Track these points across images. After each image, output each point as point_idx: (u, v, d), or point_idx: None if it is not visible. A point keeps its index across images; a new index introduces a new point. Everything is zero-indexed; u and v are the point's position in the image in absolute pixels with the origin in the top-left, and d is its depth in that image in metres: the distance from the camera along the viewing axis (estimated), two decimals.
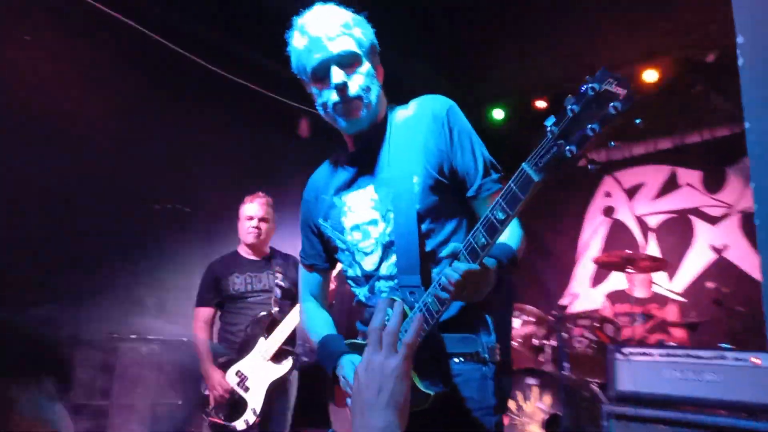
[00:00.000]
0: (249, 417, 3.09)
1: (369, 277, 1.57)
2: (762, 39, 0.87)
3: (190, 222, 3.84)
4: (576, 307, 5.40)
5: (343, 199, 1.62)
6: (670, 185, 5.85)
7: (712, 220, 5.52)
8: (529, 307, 4.21)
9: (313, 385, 3.26)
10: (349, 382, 1.39)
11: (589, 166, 1.00)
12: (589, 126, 0.97)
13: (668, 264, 4.72)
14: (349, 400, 1.42)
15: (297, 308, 3.13)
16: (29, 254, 2.93)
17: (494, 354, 1.46)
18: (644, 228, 5.91)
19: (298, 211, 1.78)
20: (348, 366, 1.43)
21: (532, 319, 4.15)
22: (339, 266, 1.76)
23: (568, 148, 1.00)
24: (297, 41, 1.54)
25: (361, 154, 1.62)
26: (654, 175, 5.98)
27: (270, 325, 3.22)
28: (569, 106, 0.99)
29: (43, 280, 2.94)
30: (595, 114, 0.97)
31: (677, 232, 5.67)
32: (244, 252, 3.52)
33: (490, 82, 5.60)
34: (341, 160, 1.69)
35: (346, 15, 1.53)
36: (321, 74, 1.51)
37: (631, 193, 6.10)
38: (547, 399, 3.57)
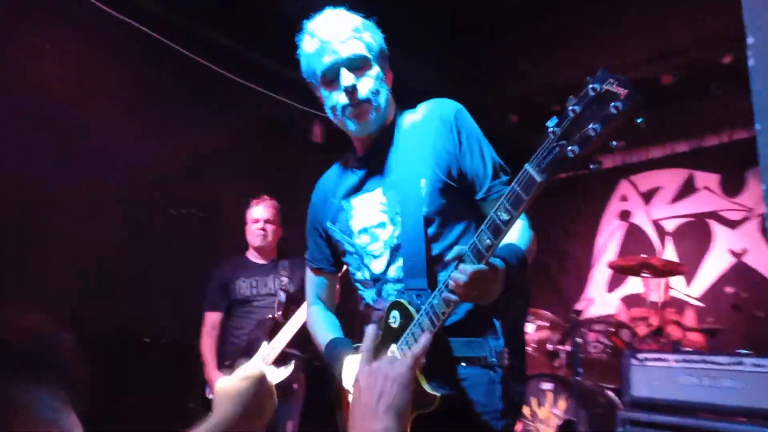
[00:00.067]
0: None
1: (377, 280, 1.58)
2: None
3: (205, 227, 3.87)
4: (591, 312, 5.36)
5: (351, 203, 1.63)
6: (688, 189, 5.78)
7: (731, 224, 5.43)
8: (543, 312, 4.19)
9: (319, 389, 3.25)
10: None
11: (591, 166, 1.00)
12: (591, 126, 0.97)
13: (684, 268, 4.66)
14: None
15: (299, 312, 3.13)
16: (41, 257, 2.97)
17: (502, 358, 1.45)
18: (661, 232, 5.84)
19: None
20: (351, 366, 1.44)
21: (546, 324, 4.13)
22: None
23: (570, 148, 1.00)
24: (307, 45, 1.55)
25: (370, 158, 1.63)
26: (671, 179, 5.91)
27: (273, 329, 3.21)
28: (570, 107, 1.00)
29: (56, 282, 2.97)
30: (596, 114, 0.97)
31: (695, 236, 5.59)
32: (252, 256, 3.54)
33: (507, 87, 5.58)
34: (350, 163, 1.70)
35: (356, 19, 1.55)
36: (331, 77, 1.52)
37: (648, 196, 6.03)
38: (562, 404, 3.54)
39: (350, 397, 1.46)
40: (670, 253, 5.65)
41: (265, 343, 3.20)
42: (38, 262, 2.93)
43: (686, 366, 2.90)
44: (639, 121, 0.95)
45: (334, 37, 1.50)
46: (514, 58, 5.01)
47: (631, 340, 3.93)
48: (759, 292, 4.59)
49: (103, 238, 3.25)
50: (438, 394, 1.31)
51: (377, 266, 1.56)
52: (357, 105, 1.51)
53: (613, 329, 3.98)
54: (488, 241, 1.19)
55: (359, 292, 1.68)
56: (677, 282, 5.05)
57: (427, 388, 1.32)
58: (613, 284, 5.96)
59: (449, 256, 1.27)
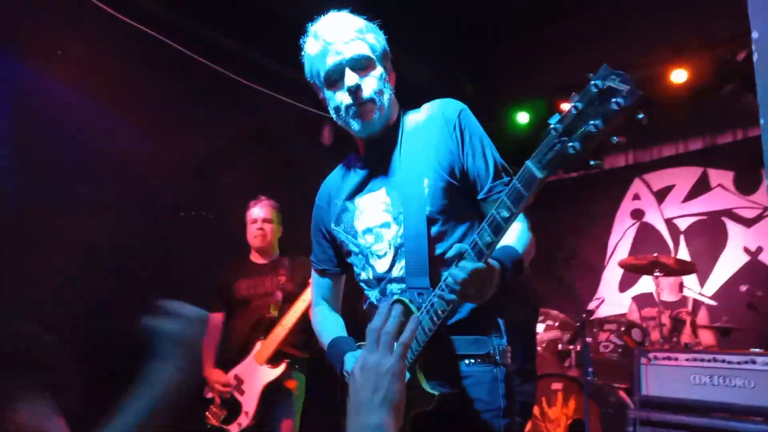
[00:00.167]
0: (242, 420, 3.12)
1: (381, 280, 1.58)
2: None
3: (213, 229, 3.89)
4: (603, 311, 5.31)
5: (355, 203, 1.63)
6: (701, 187, 5.70)
7: (746, 222, 5.36)
8: (554, 312, 4.17)
9: (320, 389, 3.24)
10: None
11: (591, 162, 1.00)
12: (592, 122, 0.97)
13: (697, 267, 4.61)
14: None
15: (293, 311, 3.17)
16: (41, 257, 2.98)
17: (505, 356, 1.45)
18: (674, 231, 5.77)
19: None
20: (352, 363, 1.44)
21: (556, 323, 4.10)
22: None
23: (571, 144, 1.00)
24: (311, 47, 1.56)
25: (373, 158, 1.63)
26: (684, 177, 5.83)
27: (268, 328, 3.25)
28: (572, 104, 1.00)
29: (56, 282, 2.99)
30: (598, 111, 0.97)
31: (708, 234, 5.52)
32: (253, 257, 3.58)
33: (515, 86, 5.56)
34: (353, 163, 1.70)
35: (359, 21, 1.56)
36: (335, 77, 1.53)
37: (661, 195, 5.97)
38: (572, 404, 3.51)
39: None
40: (683, 251, 5.59)
41: (259, 343, 3.24)
42: (38, 263, 2.95)
43: (697, 365, 2.87)
44: (640, 117, 0.94)
45: (338, 39, 1.51)
46: (519, 61, 5.00)
47: (642, 340, 3.89)
48: None
49: (103, 239, 3.26)
50: (436, 393, 1.31)
51: (382, 266, 1.57)
52: (361, 104, 1.52)
53: (624, 329, 3.94)
54: (489, 238, 1.19)
55: (364, 291, 1.68)
56: (690, 281, 5.00)
57: (426, 387, 1.32)
58: (625, 284, 5.90)
59: (450, 253, 1.27)
